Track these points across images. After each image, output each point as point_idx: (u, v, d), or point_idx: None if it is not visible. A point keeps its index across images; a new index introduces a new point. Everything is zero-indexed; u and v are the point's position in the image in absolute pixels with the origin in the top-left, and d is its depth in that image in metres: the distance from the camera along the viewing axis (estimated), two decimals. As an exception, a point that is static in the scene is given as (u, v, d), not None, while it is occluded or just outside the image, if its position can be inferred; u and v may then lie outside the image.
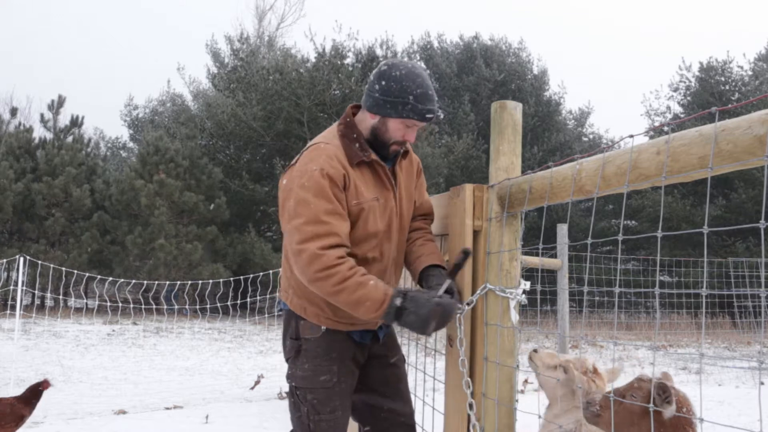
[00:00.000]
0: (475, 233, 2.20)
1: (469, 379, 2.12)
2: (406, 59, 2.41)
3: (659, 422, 1.83)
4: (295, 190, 2.05)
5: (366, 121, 2.18)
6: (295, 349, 2.21)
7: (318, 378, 2.16)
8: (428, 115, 2.11)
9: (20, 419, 4.26)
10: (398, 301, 1.98)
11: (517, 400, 2.13)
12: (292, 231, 2.03)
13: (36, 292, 14.16)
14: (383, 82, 2.10)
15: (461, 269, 2.12)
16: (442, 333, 2.20)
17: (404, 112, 2.09)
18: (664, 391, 1.89)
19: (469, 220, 2.18)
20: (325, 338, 2.18)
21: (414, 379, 2.72)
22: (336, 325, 2.17)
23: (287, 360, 2.27)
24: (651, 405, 1.86)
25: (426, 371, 2.74)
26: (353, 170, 2.12)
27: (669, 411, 1.84)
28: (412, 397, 2.44)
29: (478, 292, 2.13)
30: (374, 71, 2.17)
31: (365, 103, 2.17)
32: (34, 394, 4.40)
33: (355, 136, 2.16)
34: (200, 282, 12.80)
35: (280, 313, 2.36)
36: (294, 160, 2.18)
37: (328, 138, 2.18)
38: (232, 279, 11.29)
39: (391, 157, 2.23)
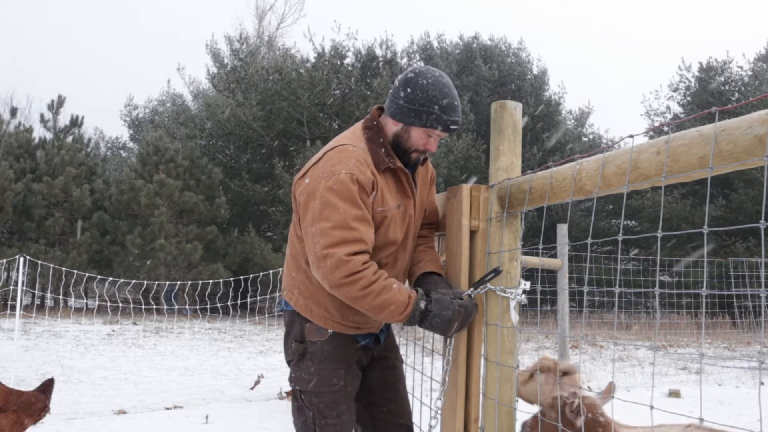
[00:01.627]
0: (472, 233, 2.20)
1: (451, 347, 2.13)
2: (432, 68, 2.36)
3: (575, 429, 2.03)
4: (321, 192, 1.99)
5: (389, 126, 2.15)
6: (299, 352, 2.17)
7: (325, 382, 2.13)
8: (453, 126, 2.09)
9: (43, 409, 4.32)
10: (422, 304, 1.99)
11: (517, 400, 2.14)
12: (317, 234, 1.97)
13: (36, 292, 14.16)
14: (408, 90, 2.07)
15: (484, 284, 2.11)
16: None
17: (428, 121, 2.06)
18: (572, 405, 2.09)
19: (465, 220, 2.18)
20: (331, 341, 2.14)
21: (412, 380, 2.72)
22: (342, 328, 2.15)
23: (289, 363, 2.23)
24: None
25: (424, 372, 2.73)
26: (380, 176, 2.09)
27: (579, 421, 2.02)
28: (411, 397, 2.45)
29: (478, 290, 2.14)
30: (399, 77, 2.14)
31: (388, 109, 2.14)
32: (47, 388, 4.47)
33: (381, 140, 2.13)
34: (200, 282, 12.79)
35: (280, 313, 2.34)
36: (316, 159, 2.12)
37: (354, 140, 2.13)
38: (232, 279, 11.29)
39: (412, 163, 2.21)
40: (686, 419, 2.09)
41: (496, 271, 2.09)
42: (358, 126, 2.21)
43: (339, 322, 2.14)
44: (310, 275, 2.12)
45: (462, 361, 2.16)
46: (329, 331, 2.14)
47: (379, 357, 2.32)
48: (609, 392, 2.25)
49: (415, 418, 2.45)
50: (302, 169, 2.17)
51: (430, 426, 2.20)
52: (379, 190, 2.08)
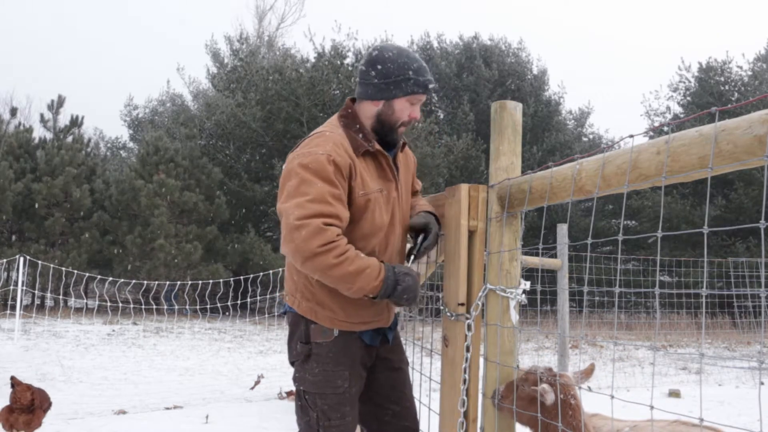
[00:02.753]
0: (471, 233, 2.20)
1: (466, 377, 2.13)
2: (389, 42, 2.57)
3: (545, 407, 2.04)
4: (297, 170, 2.02)
5: (368, 110, 2.17)
6: (304, 353, 2.15)
7: (330, 384, 2.12)
8: (430, 86, 2.15)
9: (50, 405, 4.76)
10: (393, 269, 2.04)
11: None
12: (292, 208, 1.97)
13: (36, 292, 14.16)
14: (379, 67, 2.11)
15: (420, 250, 2.20)
16: (439, 333, 2.20)
17: (408, 87, 2.11)
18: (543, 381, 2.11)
19: (464, 220, 2.18)
20: (337, 343, 2.13)
21: (412, 379, 2.72)
22: (349, 326, 2.14)
23: (293, 363, 2.22)
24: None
25: (423, 372, 2.73)
26: (358, 160, 2.11)
27: (549, 398, 2.02)
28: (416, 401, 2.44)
29: (480, 293, 2.14)
30: (363, 61, 2.18)
31: (363, 94, 2.17)
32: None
33: (357, 126, 2.16)
34: (200, 282, 12.79)
35: (281, 314, 2.34)
36: (296, 146, 2.16)
37: (331, 128, 2.17)
38: (232, 279, 11.29)
39: (397, 142, 2.24)
40: (679, 417, 2.09)
41: (426, 231, 2.19)
42: (333, 117, 2.25)
43: (345, 321, 2.13)
44: (309, 277, 2.11)
45: (460, 361, 2.15)
46: (335, 332, 2.13)
47: (384, 358, 2.30)
48: (589, 373, 2.24)
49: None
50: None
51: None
52: (359, 174, 2.09)
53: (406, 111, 2.16)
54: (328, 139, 2.08)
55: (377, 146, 2.15)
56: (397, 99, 2.13)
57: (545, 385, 2.03)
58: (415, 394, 2.57)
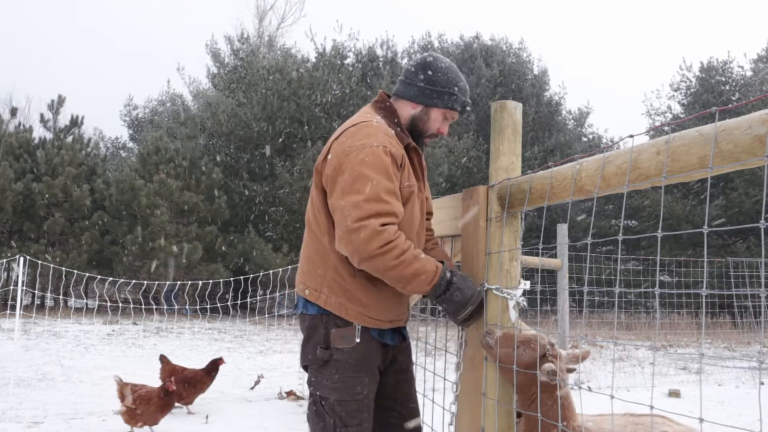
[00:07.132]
0: (488, 234, 2.21)
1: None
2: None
3: (538, 381, 1.98)
4: (351, 164, 1.97)
5: (404, 110, 2.18)
6: (323, 358, 2.09)
7: (349, 390, 2.08)
8: (468, 108, 2.20)
9: (198, 383, 5.60)
10: (448, 275, 2.02)
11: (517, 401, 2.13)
12: (348, 207, 1.94)
13: (36, 292, 14.14)
14: (429, 72, 2.13)
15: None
16: (449, 333, 2.19)
17: (449, 102, 2.15)
18: (549, 356, 2.04)
19: (482, 221, 2.19)
20: (357, 349, 2.08)
21: (421, 378, 2.71)
22: (376, 323, 2.11)
23: (306, 367, 2.16)
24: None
25: (433, 371, 2.73)
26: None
27: (547, 370, 1.97)
28: (418, 396, 2.44)
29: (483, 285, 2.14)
30: (414, 62, 2.19)
31: (405, 93, 2.17)
32: (213, 367, 5.72)
33: (396, 120, 2.16)
34: (200, 282, 12.78)
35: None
36: (335, 136, 2.11)
37: (373, 116, 2.14)
38: (232, 279, 11.28)
39: (421, 149, 2.25)
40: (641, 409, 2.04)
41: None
42: (368, 107, 2.21)
43: (375, 318, 2.10)
44: (341, 271, 2.07)
45: (480, 361, 2.15)
46: (356, 339, 2.08)
47: (394, 360, 2.28)
48: (580, 359, 2.22)
49: (423, 416, 2.45)
50: (322, 152, 2.15)
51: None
52: (407, 165, 2.10)
53: (437, 123, 2.19)
54: (378, 129, 2.06)
55: (413, 143, 2.16)
56: (435, 108, 2.16)
57: (551, 365, 1.98)
58: (421, 390, 2.57)
